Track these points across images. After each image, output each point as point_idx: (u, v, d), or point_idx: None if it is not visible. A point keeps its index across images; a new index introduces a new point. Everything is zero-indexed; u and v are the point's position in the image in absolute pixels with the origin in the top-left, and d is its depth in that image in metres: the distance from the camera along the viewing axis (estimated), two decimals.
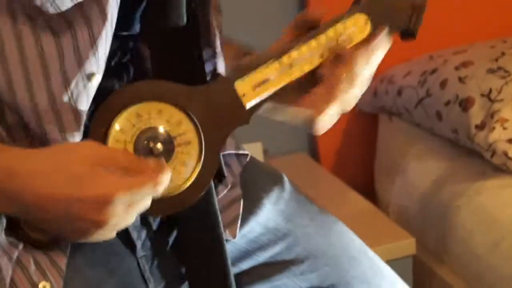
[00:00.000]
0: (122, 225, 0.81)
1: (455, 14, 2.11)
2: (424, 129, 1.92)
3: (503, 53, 1.86)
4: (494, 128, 1.66)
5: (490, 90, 1.72)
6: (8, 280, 0.81)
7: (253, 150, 1.79)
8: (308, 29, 0.92)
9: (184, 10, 0.94)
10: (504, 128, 1.66)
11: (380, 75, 2.01)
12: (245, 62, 0.96)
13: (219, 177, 1.02)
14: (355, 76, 0.90)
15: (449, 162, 1.84)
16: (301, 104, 0.92)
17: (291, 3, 2.08)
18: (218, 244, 0.98)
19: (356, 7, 0.93)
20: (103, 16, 0.82)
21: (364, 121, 2.12)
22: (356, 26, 0.92)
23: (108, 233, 0.82)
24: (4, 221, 0.82)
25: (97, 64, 0.84)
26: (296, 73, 0.89)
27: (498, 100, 1.70)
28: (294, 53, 0.90)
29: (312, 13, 0.95)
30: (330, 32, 0.89)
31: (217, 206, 0.97)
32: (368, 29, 0.92)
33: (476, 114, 1.71)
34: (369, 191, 2.07)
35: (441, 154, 1.87)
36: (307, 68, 0.89)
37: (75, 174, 0.79)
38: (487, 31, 2.13)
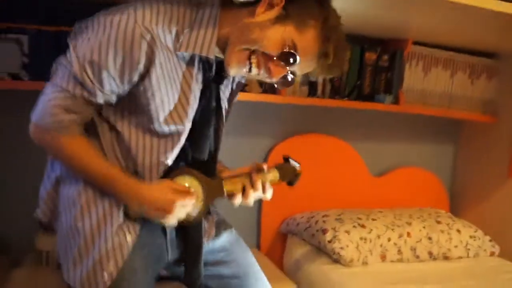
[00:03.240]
0: (179, 216, 1.17)
1: (329, 189, 2.79)
2: (307, 242, 2.63)
3: (343, 213, 2.64)
4: (335, 242, 2.44)
5: (333, 228, 2.48)
6: (115, 227, 1.19)
7: None
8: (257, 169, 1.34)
9: (207, 150, 1.30)
10: (339, 243, 2.44)
11: (289, 216, 2.77)
12: (228, 174, 1.37)
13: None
14: (259, 193, 1.31)
15: (315, 256, 2.53)
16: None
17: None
18: (199, 241, 1.32)
19: (276, 166, 1.38)
20: (183, 134, 1.20)
21: (281, 236, 2.80)
22: (274, 174, 1.37)
23: (172, 219, 1.19)
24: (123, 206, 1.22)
25: (172, 155, 1.23)
26: (245, 183, 1.32)
27: (338, 231, 2.49)
28: (245, 179, 1.33)
29: (259, 166, 1.35)
30: (265, 174, 1.33)
31: (204, 226, 1.35)
32: (277, 176, 1.37)
33: (329, 236, 2.49)
34: (281, 264, 2.72)
35: (311, 253, 2.54)
36: (248, 183, 1.32)
37: (164, 192, 1.20)
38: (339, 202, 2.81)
